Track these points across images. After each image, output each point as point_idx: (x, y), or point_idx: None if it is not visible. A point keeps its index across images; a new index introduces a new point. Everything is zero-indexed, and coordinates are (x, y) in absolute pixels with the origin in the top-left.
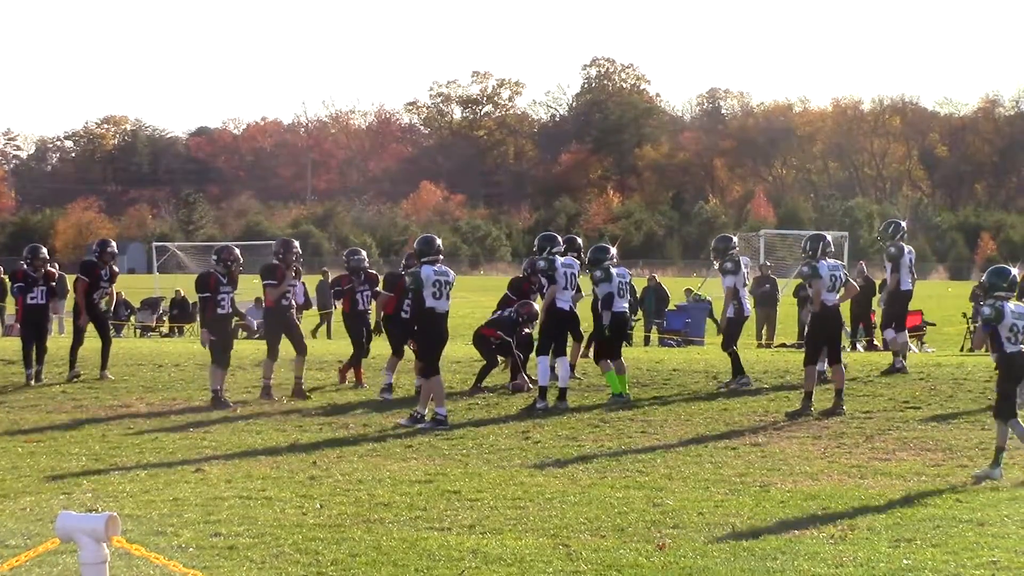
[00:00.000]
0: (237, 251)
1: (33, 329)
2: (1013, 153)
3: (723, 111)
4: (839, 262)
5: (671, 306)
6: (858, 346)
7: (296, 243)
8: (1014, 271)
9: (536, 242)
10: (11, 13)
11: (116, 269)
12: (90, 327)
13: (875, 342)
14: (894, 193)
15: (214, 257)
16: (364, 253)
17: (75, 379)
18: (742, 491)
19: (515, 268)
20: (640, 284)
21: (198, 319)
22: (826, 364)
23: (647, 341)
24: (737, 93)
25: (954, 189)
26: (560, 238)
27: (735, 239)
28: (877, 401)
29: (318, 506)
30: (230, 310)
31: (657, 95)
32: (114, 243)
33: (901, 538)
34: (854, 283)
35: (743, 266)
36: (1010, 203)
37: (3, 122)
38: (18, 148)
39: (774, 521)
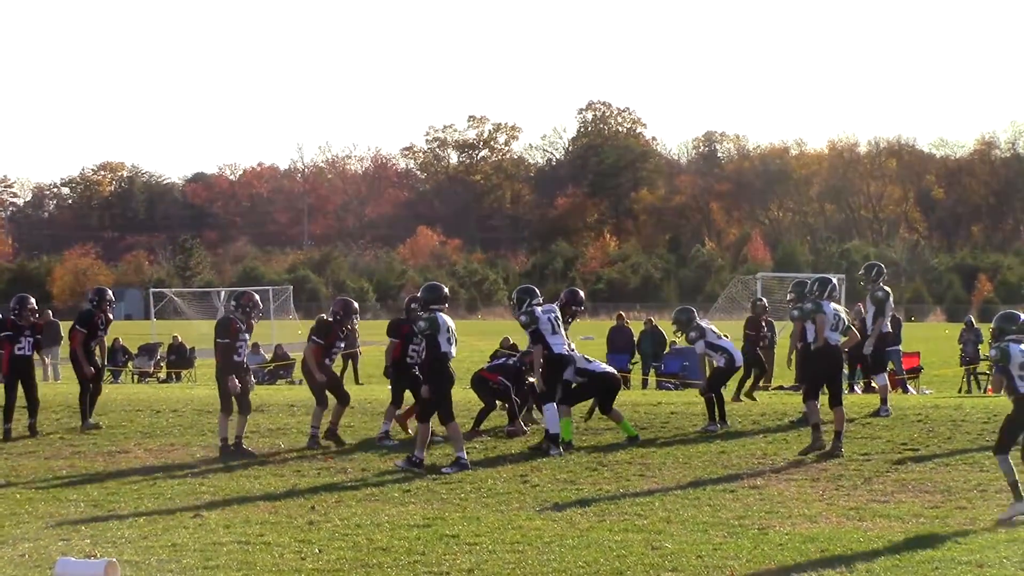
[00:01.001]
0: (257, 297)
1: (18, 381)
2: (1009, 195)
3: (719, 154)
4: (842, 308)
5: (668, 349)
6: (856, 388)
7: (356, 306)
8: (1023, 316)
9: (515, 296)
10: (6, 60)
11: (111, 317)
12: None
13: (873, 384)
14: (891, 235)
15: (233, 303)
16: None
17: (92, 429)
18: (741, 534)
19: (512, 312)
20: (637, 328)
21: (217, 364)
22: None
23: (645, 384)
24: (733, 136)
25: (951, 231)
26: (537, 291)
27: (695, 311)
28: (875, 443)
29: (317, 551)
30: (245, 358)
31: (653, 138)
32: (110, 291)
33: None
34: (855, 331)
35: (708, 331)
36: (1006, 245)
37: None
38: (15, 195)
39: (773, 564)
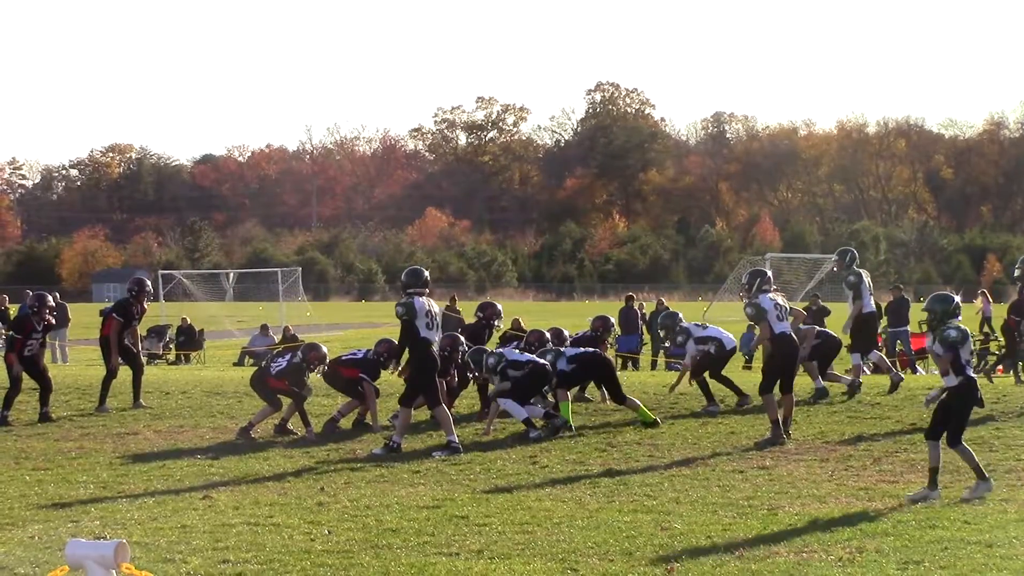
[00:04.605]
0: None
1: (27, 375)
2: (1018, 175)
3: (728, 135)
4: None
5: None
6: (865, 368)
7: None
8: (956, 297)
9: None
10: (15, 42)
11: (147, 308)
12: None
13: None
14: (900, 215)
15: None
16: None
17: (104, 413)
18: (750, 514)
19: (521, 293)
20: (646, 308)
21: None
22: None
23: (654, 365)
24: (742, 117)
25: (960, 211)
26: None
27: (680, 315)
28: (884, 423)
29: (326, 532)
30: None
31: (662, 119)
32: (149, 283)
33: (909, 560)
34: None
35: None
36: (1015, 225)
37: (8, 151)
38: (23, 177)
39: (782, 544)
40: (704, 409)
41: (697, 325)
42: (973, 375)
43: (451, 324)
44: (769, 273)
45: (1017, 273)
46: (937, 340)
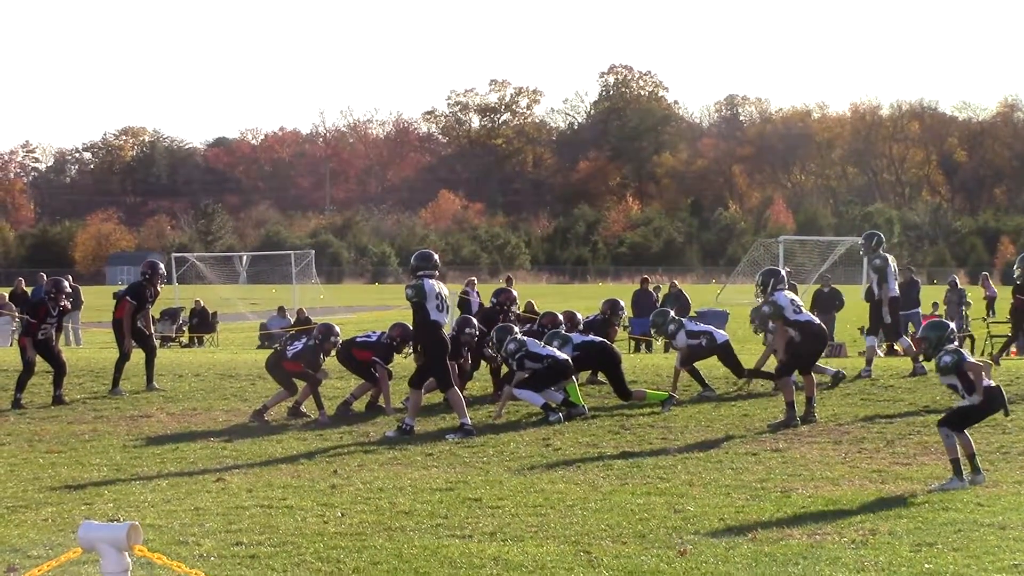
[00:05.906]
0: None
1: (41, 358)
2: None
3: (741, 117)
4: (792, 294)
5: (692, 313)
6: (878, 351)
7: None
8: (951, 324)
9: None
10: (29, 25)
11: (160, 291)
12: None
13: (895, 347)
14: (913, 198)
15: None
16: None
17: (117, 395)
18: (763, 497)
19: (534, 276)
20: (661, 290)
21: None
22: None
23: (667, 348)
24: (755, 99)
25: (973, 194)
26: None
27: (672, 312)
28: (897, 406)
29: (339, 514)
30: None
31: (675, 102)
32: (163, 266)
33: (923, 542)
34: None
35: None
36: None
37: (22, 134)
38: (37, 160)
39: (795, 526)
40: (700, 395)
41: (691, 320)
42: (988, 383)
43: (493, 313)
44: (783, 272)
45: (1017, 273)
46: (937, 370)
